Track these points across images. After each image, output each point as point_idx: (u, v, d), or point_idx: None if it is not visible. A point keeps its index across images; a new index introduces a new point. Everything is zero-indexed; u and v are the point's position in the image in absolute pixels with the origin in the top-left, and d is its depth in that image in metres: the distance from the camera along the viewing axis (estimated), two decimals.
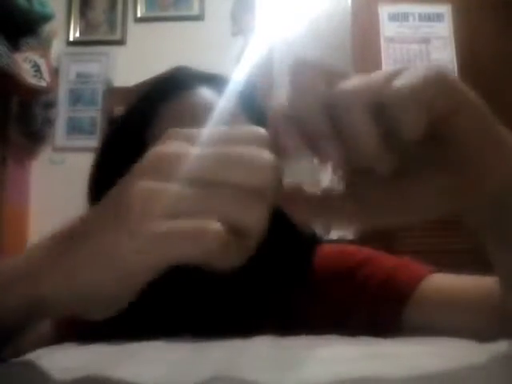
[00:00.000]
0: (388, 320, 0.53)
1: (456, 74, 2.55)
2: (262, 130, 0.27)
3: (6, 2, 2.27)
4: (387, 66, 2.59)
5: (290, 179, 0.27)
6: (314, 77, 0.27)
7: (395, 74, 0.27)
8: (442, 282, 0.54)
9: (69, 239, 0.28)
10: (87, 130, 2.85)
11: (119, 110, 2.83)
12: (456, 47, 2.58)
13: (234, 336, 0.42)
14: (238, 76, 0.61)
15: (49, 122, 2.81)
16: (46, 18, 2.58)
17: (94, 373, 0.32)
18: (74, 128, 2.85)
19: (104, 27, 2.97)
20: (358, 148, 0.25)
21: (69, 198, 2.73)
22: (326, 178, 0.29)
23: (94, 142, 2.82)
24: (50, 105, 2.79)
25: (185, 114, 0.56)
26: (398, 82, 0.25)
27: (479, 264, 0.51)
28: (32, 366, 0.34)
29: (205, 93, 0.59)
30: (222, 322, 0.51)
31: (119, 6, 2.96)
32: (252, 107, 0.61)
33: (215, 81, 0.61)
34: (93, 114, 2.87)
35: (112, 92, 2.85)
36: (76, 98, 2.89)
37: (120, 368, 0.33)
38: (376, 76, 0.27)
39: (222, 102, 0.56)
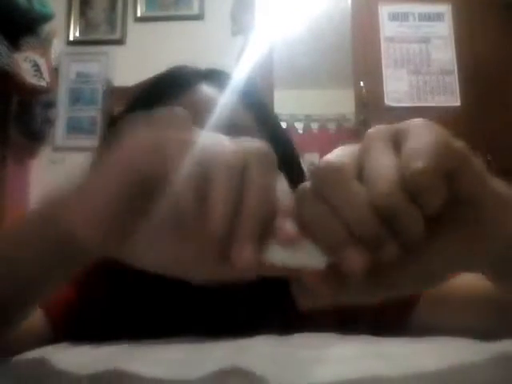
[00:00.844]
0: (396, 322, 0.52)
1: (456, 74, 2.55)
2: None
3: (6, 1, 2.26)
4: (387, 65, 2.59)
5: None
6: (346, 180, 0.26)
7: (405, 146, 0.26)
8: (452, 281, 0.53)
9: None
10: (87, 129, 2.85)
11: (119, 109, 2.82)
12: (456, 47, 2.58)
13: (236, 336, 0.42)
14: (239, 75, 0.60)
15: (49, 122, 2.81)
16: (45, 18, 2.57)
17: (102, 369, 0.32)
18: (74, 128, 2.85)
19: (104, 27, 2.97)
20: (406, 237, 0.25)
21: None
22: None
23: (93, 141, 2.83)
24: (50, 104, 2.79)
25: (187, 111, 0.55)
26: (414, 164, 0.25)
27: None
28: (41, 362, 0.34)
29: (206, 89, 0.58)
30: (223, 322, 0.51)
31: (119, 6, 2.96)
32: (253, 103, 0.60)
33: (215, 76, 0.61)
34: (93, 113, 2.87)
35: (112, 92, 2.85)
36: (76, 98, 2.89)
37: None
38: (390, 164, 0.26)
39: (223, 99, 0.55)
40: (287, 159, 0.58)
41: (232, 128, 0.53)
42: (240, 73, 0.57)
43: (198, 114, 0.54)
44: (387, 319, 0.53)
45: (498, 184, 0.29)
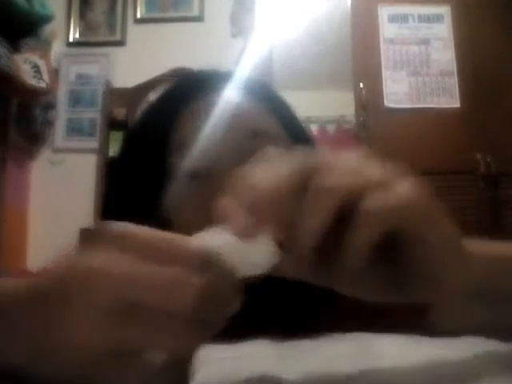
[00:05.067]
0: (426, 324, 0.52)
1: (456, 76, 2.55)
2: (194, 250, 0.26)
3: (5, 2, 2.27)
4: (387, 67, 2.59)
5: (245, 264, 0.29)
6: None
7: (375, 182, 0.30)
8: None
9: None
10: (87, 131, 2.85)
11: (119, 111, 2.84)
12: (456, 48, 2.58)
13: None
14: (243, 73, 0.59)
15: (48, 124, 2.81)
16: (45, 19, 2.58)
17: None
18: (74, 129, 2.85)
19: (104, 28, 2.97)
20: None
21: (68, 198, 2.74)
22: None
23: (93, 143, 2.83)
24: (50, 106, 2.79)
25: (206, 114, 0.54)
26: (373, 202, 0.29)
27: None
28: None
29: (230, 93, 0.56)
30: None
31: (119, 7, 2.96)
32: (275, 107, 0.59)
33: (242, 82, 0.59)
34: (92, 115, 2.87)
35: (112, 93, 2.85)
36: (76, 100, 2.89)
37: None
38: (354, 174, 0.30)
39: (244, 102, 0.54)
40: None
41: (257, 134, 0.53)
42: (242, 74, 0.57)
43: (223, 120, 0.53)
44: (418, 321, 0.53)
45: (447, 227, 0.32)
